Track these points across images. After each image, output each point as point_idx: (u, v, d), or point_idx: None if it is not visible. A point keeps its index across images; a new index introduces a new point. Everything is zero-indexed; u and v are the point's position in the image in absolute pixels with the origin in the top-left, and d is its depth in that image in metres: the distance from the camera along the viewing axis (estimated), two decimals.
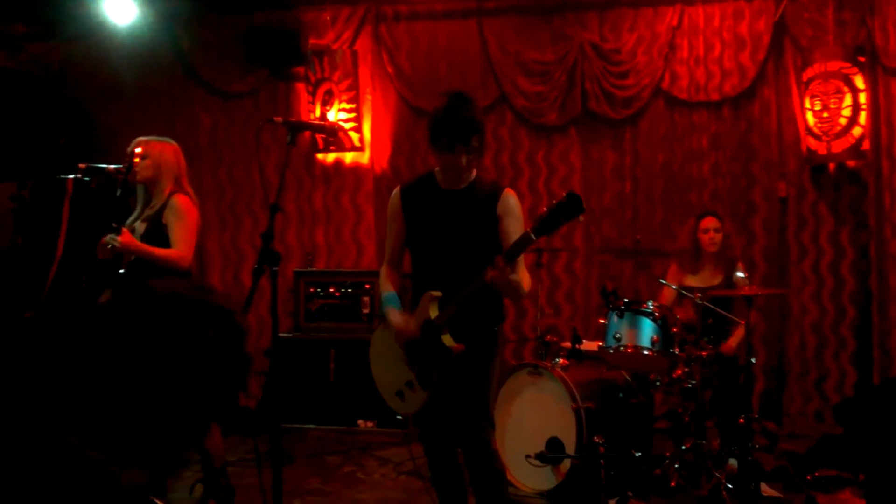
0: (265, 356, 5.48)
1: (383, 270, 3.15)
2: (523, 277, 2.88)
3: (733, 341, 4.44)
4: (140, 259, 3.54)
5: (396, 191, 3.12)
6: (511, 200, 2.94)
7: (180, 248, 3.55)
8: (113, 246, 3.45)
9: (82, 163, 3.58)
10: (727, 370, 4.35)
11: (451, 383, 2.93)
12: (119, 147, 3.74)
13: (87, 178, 3.55)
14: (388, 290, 3.09)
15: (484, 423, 2.98)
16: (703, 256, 4.65)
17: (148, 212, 3.65)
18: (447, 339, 2.86)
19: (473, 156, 2.91)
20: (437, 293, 2.90)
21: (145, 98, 6.03)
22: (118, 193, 3.52)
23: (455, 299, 2.85)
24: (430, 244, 3.01)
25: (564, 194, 2.64)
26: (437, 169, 3.03)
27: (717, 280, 4.59)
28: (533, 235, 2.66)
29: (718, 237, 4.60)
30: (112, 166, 3.56)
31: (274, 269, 2.71)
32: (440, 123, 2.87)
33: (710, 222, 4.62)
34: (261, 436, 4.23)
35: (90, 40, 5.86)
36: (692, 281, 4.65)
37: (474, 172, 3.01)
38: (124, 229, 3.48)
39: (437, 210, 2.97)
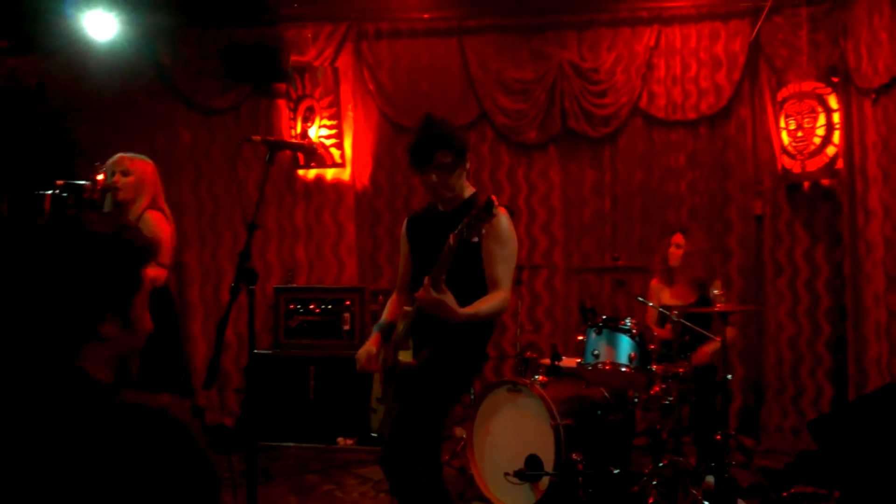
0: (243, 373, 5.45)
1: (391, 297, 3.18)
2: (489, 299, 2.74)
3: (707, 348, 4.47)
4: None
5: (406, 220, 3.17)
6: (496, 220, 2.74)
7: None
8: None
9: (60, 179, 3.57)
10: (704, 387, 4.38)
11: (400, 407, 2.85)
12: (98, 163, 3.73)
13: (64, 195, 3.54)
14: (383, 316, 3.11)
15: (410, 455, 2.80)
16: (674, 271, 4.75)
17: None
18: (402, 355, 2.82)
19: (445, 172, 2.84)
20: (409, 308, 2.89)
21: (125, 113, 6.01)
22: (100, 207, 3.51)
23: (404, 317, 2.83)
24: (423, 268, 2.93)
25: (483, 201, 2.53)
26: None
27: (692, 300, 4.67)
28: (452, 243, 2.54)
29: (678, 253, 4.71)
30: (90, 182, 3.56)
31: (251, 287, 2.71)
32: (409, 146, 2.90)
33: (676, 238, 4.76)
34: (237, 454, 4.20)
35: (70, 55, 5.84)
36: (668, 296, 4.72)
37: (469, 191, 2.95)
38: None
39: (430, 234, 2.91)
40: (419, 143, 2.86)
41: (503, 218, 2.83)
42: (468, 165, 2.94)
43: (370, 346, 3.00)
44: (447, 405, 2.96)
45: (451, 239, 2.52)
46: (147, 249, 1.39)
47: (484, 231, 2.51)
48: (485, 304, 2.75)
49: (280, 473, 4.88)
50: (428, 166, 2.84)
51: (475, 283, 2.81)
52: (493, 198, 2.47)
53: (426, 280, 2.57)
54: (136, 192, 3.64)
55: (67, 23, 5.63)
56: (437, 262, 2.57)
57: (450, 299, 2.57)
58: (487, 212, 2.45)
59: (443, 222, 2.90)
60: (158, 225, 3.59)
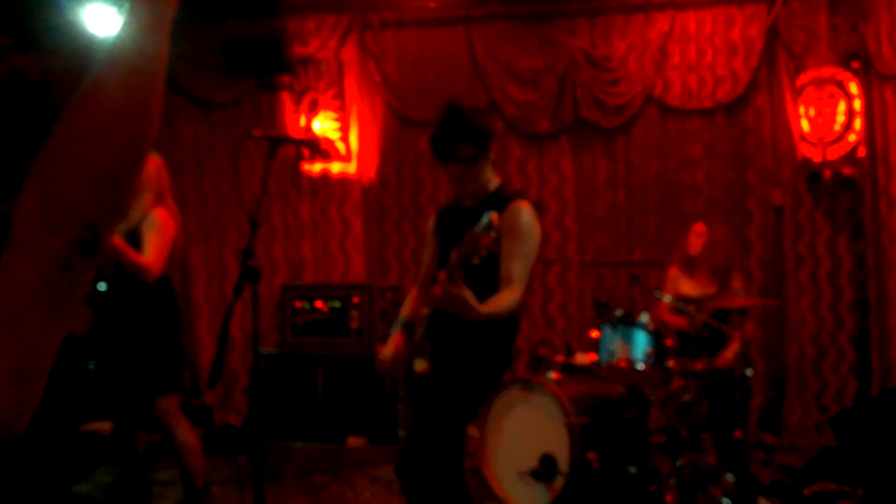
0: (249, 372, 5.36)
1: (411, 292, 3.07)
2: (502, 296, 2.61)
3: (729, 353, 4.36)
4: (120, 276, 3.41)
5: (434, 214, 3.06)
6: (516, 214, 2.68)
7: (150, 257, 3.40)
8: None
9: None
10: (724, 383, 4.27)
11: (418, 415, 2.75)
12: None
13: None
14: (403, 312, 2.99)
15: (425, 469, 2.69)
16: (695, 260, 4.63)
17: (123, 226, 3.53)
18: (417, 363, 2.70)
19: (468, 165, 2.73)
20: (425, 311, 2.77)
21: None
22: None
23: (420, 321, 2.71)
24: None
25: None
26: None
27: (712, 290, 4.54)
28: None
29: (699, 242, 4.60)
30: None
31: (255, 285, 2.64)
32: (430, 137, 2.80)
33: (697, 227, 4.66)
34: (244, 454, 4.12)
35: (71, 51, 5.76)
36: (687, 286, 4.61)
37: (495, 183, 2.83)
38: None
39: (453, 229, 2.77)
40: (440, 135, 2.75)
41: (524, 212, 2.72)
42: (493, 155, 2.81)
43: (393, 347, 2.87)
44: (467, 414, 2.83)
45: (453, 256, 2.39)
46: None
47: (493, 241, 2.36)
48: (500, 303, 2.60)
49: (288, 474, 4.79)
50: (450, 159, 2.74)
51: (492, 279, 2.68)
52: (494, 216, 2.34)
53: (441, 275, 2.45)
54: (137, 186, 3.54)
55: (69, 18, 5.55)
56: (448, 268, 2.43)
57: (469, 295, 2.42)
58: (486, 230, 2.32)
59: (467, 218, 2.72)
60: (162, 222, 3.49)
